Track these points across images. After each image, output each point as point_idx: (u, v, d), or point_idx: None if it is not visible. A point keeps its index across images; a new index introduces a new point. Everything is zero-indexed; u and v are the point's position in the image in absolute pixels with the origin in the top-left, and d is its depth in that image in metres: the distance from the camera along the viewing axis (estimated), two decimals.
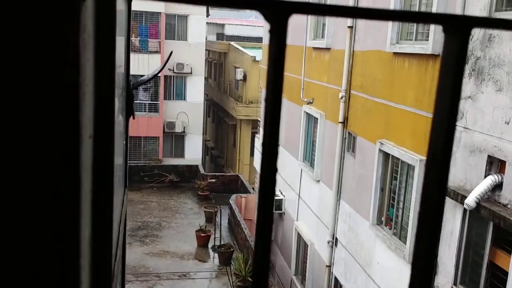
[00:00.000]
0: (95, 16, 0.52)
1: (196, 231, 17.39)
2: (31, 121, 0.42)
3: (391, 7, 8.24)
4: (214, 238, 17.07)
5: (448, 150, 0.48)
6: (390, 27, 8.30)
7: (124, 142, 1.59)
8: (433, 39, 7.06)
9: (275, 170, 0.46)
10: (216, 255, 16.37)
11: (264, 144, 0.46)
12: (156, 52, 25.05)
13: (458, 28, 0.47)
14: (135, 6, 25.71)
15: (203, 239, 17.17)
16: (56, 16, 0.40)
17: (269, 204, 0.48)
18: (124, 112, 1.48)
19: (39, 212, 0.44)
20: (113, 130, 0.68)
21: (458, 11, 6.51)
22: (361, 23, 9.65)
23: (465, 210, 6.19)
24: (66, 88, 0.42)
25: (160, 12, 24.84)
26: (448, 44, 0.47)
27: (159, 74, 24.84)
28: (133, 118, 1.61)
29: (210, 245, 17.22)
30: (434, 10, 7.07)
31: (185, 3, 0.42)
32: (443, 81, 0.48)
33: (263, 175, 0.46)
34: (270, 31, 0.44)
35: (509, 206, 5.57)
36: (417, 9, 7.82)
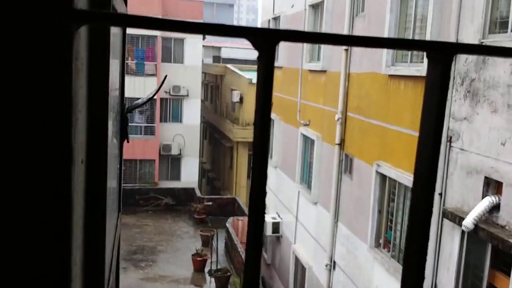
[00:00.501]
0: (89, 44, 0.53)
1: (192, 255, 17.19)
2: (23, 146, 0.43)
3: (386, 29, 8.37)
4: (211, 262, 16.88)
5: (432, 179, 0.49)
6: (385, 49, 8.41)
7: (118, 165, 1.59)
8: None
9: (264, 193, 0.46)
10: (213, 279, 16.15)
11: (253, 169, 0.47)
12: (153, 75, 25.23)
13: (440, 54, 0.48)
14: (131, 30, 26.07)
15: (199, 264, 16.97)
16: (49, 45, 0.41)
17: (259, 230, 0.49)
18: (118, 135, 1.48)
19: (28, 237, 0.44)
20: (106, 155, 0.68)
21: (452, 33, 6.62)
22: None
23: (463, 232, 6.16)
24: (58, 115, 0.42)
25: (157, 36, 25.12)
26: (432, 70, 0.49)
27: (155, 97, 24.96)
28: (127, 141, 1.61)
29: (206, 269, 17.00)
30: (428, 31, 7.18)
31: (177, 31, 0.43)
32: (427, 106, 0.49)
33: (253, 196, 0.47)
34: (258, 58, 0.46)
35: (507, 227, 5.56)
36: (411, 31, 7.95)
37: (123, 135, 1.53)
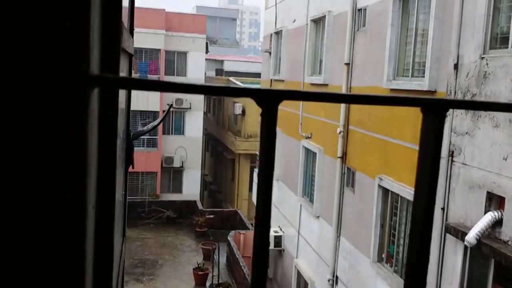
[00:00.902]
0: (100, 95, 0.56)
1: (193, 269, 17.11)
2: (41, 196, 0.45)
3: (387, 44, 8.43)
4: (212, 276, 16.78)
5: (428, 233, 0.51)
6: (386, 63, 8.47)
7: (123, 192, 1.61)
8: (429, 76, 7.20)
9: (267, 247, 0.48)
10: None
11: (256, 221, 0.49)
12: None
13: (434, 110, 0.50)
14: (135, 43, 26.14)
15: (200, 278, 16.87)
16: (66, 108, 0.43)
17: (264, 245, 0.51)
18: (124, 162, 1.51)
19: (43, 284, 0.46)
20: (114, 198, 0.71)
21: (453, 48, 6.67)
22: (358, 60, 9.85)
23: (466, 247, 6.14)
24: (74, 168, 0.45)
25: (160, 49, 25.30)
26: (426, 123, 0.51)
27: (158, 109, 25.06)
28: (133, 167, 1.64)
29: (208, 283, 16.90)
30: (429, 46, 7.23)
31: (188, 93, 0.46)
32: (422, 157, 0.51)
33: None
34: (262, 115, 0.48)
35: (509, 243, 5.54)
36: (412, 46, 8.00)
37: (129, 161, 1.56)
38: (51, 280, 0.45)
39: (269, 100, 0.47)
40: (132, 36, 1.56)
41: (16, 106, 0.43)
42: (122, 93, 1.35)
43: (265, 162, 0.49)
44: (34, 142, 0.44)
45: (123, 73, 1.22)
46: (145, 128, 2.42)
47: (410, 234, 0.56)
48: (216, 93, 0.47)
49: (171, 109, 26.05)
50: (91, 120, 0.48)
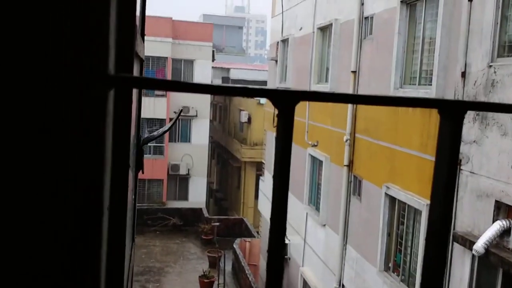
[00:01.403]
0: (116, 99, 0.57)
1: (199, 276, 17.06)
2: (57, 197, 0.46)
3: (394, 52, 8.42)
4: (218, 284, 16.72)
5: (445, 238, 0.50)
6: (393, 71, 8.46)
7: (133, 196, 1.61)
8: (437, 84, 7.18)
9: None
10: None
11: (271, 226, 0.48)
12: (162, 95, 25.47)
13: (452, 111, 0.50)
14: None
15: (206, 285, 16.81)
16: (85, 108, 0.44)
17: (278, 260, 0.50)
18: (134, 167, 1.52)
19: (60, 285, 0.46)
20: (126, 200, 0.71)
21: (460, 56, 6.65)
22: (365, 68, 9.85)
23: (473, 256, 6.08)
24: (92, 167, 0.45)
25: (167, 57, 25.44)
26: (444, 125, 0.51)
27: (165, 117, 25.15)
28: (142, 173, 1.64)
29: None
30: (436, 54, 7.22)
31: (202, 93, 0.46)
32: (439, 160, 0.51)
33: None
34: (278, 116, 0.48)
35: None
36: (419, 54, 7.99)
37: (139, 166, 1.57)
38: (67, 281, 0.45)
39: (286, 101, 0.47)
40: (143, 41, 1.57)
41: (36, 106, 0.43)
42: (133, 99, 1.36)
43: (281, 164, 0.49)
44: (53, 142, 0.44)
45: None
46: (155, 133, 2.43)
47: (426, 239, 0.55)
48: (231, 93, 0.47)
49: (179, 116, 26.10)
50: (108, 121, 0.49)
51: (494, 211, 5.87)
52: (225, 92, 0.45)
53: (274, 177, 0.50)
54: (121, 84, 0.46)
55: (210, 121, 29.13)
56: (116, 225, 0.66)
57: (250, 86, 0.46)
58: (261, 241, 17.41)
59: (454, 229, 6.54)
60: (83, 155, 0.44)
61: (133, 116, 1.37)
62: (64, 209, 0.45)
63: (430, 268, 0.54)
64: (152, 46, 24.72)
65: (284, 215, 0.49)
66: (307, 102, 12.77)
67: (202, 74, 26.42)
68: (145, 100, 24.77)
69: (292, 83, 14.30)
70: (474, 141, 6.34)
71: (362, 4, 9.84)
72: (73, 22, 0.43)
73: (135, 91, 1.30)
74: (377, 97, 0.49)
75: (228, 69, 35.83)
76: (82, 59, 0.43)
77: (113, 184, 0.62)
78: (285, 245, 13.92)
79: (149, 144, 25.78)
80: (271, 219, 0.50)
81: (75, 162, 0.44)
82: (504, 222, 5.65)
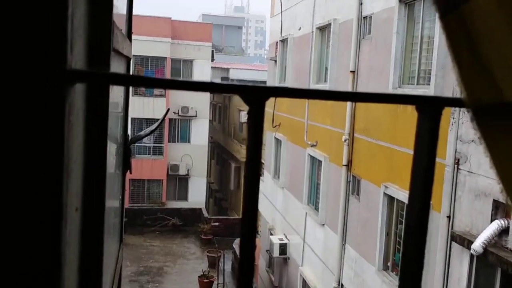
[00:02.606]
0: (87, 97, 0.55)
1: (198, 276, 17.06)
2: (14, 197, 0.44)
3: (392, 51, 8.41)
4: (217, 284, 16.72)
5: (424, 229, 0.49)
6: (392, 70, 8.45)
7: (121, 197, 1.60)
8: (435, 83, 7.16)
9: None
10: None
11: (242, 221, 0.47)
12: (161, 95, 25.46)
13: (430, 108, 0.49)
14: (141, 51, 26.01)
15: (206, 285, 16.81)
16: (42, 104, 0.42)
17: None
18: (121, 167, 1.50)
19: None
20: (103, 201, 0.70)
21: None
22: (363, 67, 9.84)
23: (472, 255, 6.07)
24: (49, 168, 0.44)
25: (166, 57, 25.42)
26: (422, 122, 0.49)
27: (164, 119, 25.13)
28: (130, 173, 1.63)
29: None
30: (435, 54, 7.20)
31: (171, 89, 0.45)
32: (417, 157, 0.49)
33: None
34: (248, 113, 0.47)
35: None
36: (418, 53, 7.98)
37: (126, 166, 1.55)
38: (25, 283, 0.44)
39: (256, 97, 0.45)
40: (130, 41, 1.56)
41: None
42: (118, 96, 1.34)
43: (252, 162, 0.48)
44: (7, 138, 0.42)
45: None
46: (142, 132, 2.41)
47: (404, 236, 0.54)
48: (201, 89, 0.46)
49: (177, 117, 26.13)
50: (72, 118, 0.47)
51: (492, 210, 5.86)
52: (191, 88, 0.44)
53: (245, 176, 0.48)
54: (82, 79, 0.44)
55: (210, 121, 29.12)
56: (92, 225, 0.64)
57: (217, 82, 0.45)
58: (261, 241, 17.40)
59: (452, 228, 6.53)
60: (39, 152, 0.42)
61: (118, 114, 1.36)
62: (19, 211, 0.43)
63: (409, 262, 0.53)
64: (151, 46, 24.72)
65: (255, 215, 0.47)
66: (306, 102, 12.76)
67: (201, 74, 26.39)
68: (143, 100, 24.80)
69: (291, 83, 14.29)
70: (472, 141, 6.33)
71: (361, 3, 9.83)
72: (26, 15, 0.42)
73: (118, 89, 1.28)
74: (352, 94, 0.47)
75: (227, 69, 35.82)
76: (36, 53, 0.42)
77: (87, 185, 0.61)
78: (286, 244, 13.91)
79: (148, 145, 25.77)
80: (242, 214, 0.49)
81: (29, 159, 0.42)
82: (502, 222, 5.64)
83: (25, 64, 0.42)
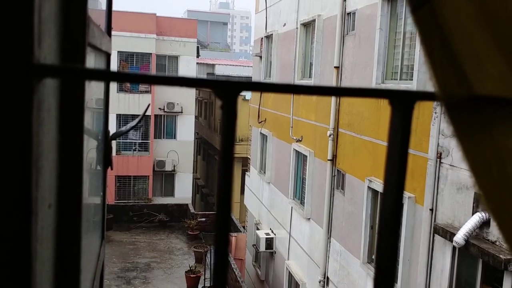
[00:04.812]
0: (60, 92, 0.54)
1: (185, 272, 17.04)
2: None
3: (376, 47, 8.46)
4: (204, 279, 16.73)
5: (397, 224, 0.50)
6: (375, 66, 8.50)
7: (102, 193, 1.59)
8: (417, 79, 7.23)
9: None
10: None
11: (217, 214, 0.47)
12: (147, 92, 25.27)
13: (403, 101, 0.49)
14: (126, 48, 25.75)
15: (192, 281, 16.81)
16: (4, 97, 0.41)
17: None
18: (101, 163, 1.48)
19: None
20: (80, 197, 0.69)
21: None
22: (347, 63, 9.88)
23: (454, 248, 6.17)
24: (16, 164, 0.43)
25: (151, 53, 25.22)
26: (394, 116, 0.50)
27: (149, 114, 24.96)
28: (111, 169, 1.62)
29: (200, 286, 16.84)
30: (417, 49, 7.26)
31: (142, 83, 0.44)
32: (391, 149, 0.50)
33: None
34: (221, 107, 0.46)
35: (497, 243, 5.57)
36: (401, 49, 8.04)
37: (107, 162, 1.54)
38: None
39: (228, 91, 0.45)
40: (110, 37, 1.54)
41: None
42: (97, 92, 1.33)
43: (225, 156, 0.48)
44: None
45: None
46: (123, 128, 2.40)
47: (378, 231, 0.54)
48: (173, 84, 0.45)
49: (163, 113, 25.98)
50: (42, 113, 0.46)
51: (473, 203, 5.95)
52: (164, 82, 0.44)
53: (218, 171, 0.48)
54: (49, 74, 0.44)
55: (196, 117, 29.00)
56: (68, 222, 0.63)
57: (189, 76, 0.45)
58: (247, 236, 17.43)
59: (435, 221, 6.62)
60: (4, 148, 0.42)
61: (98, 110, 1.34)
62: None
63: (383, 255, 0.53)
64: (136, 42, 24.50)
65: (228, 215, 0.47)
66: (291, 98, 12.78)
67: (187, 70, 26.25)
68: (129, 97, 24.60)
69: (276, 79, 14.30)
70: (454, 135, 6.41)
71: (345, 0, 9.86)
72: None
73: (98, 84, 1.27)
74: (323, 88, 0.47)
75: (213, 65, 35.71)
76: (0, 47, 0.41)
77: (62, 181, 0.60)
78: (273, 239, 13.97)
79: (134, 141, 25.58)
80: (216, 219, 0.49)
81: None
82: (483, 214, 5.73)
83: None
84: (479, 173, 0.46)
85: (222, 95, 0.45)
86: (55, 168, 0.58)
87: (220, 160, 0.48)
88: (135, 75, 0.43)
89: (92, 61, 1.04)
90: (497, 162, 0.45)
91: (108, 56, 1.51)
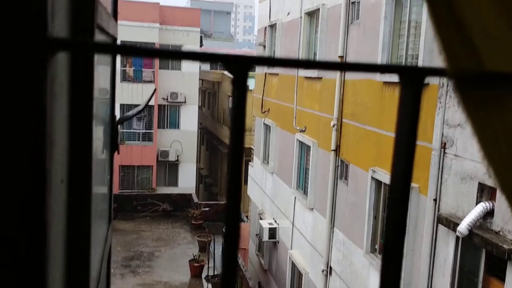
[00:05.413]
0: (71, 67, 0.55)
1: (189, 261, 17.16)
2: None
3: (380, 36, 8.41)
4: (208, 268, 16.84)
5: (404, 206, 0.50)
6: (380, 55, 8.46)
7: (109, 176, 1.60)
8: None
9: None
10: (210, 285, 16.11)
11: (228, 190, 0.48)
12: (150, 81, 25.26)
13: (412, 78, 0.49)
14: (129, 37, 25.72)
15: (196, 269, 16.93)
16: (23, 73, 0.42)
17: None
18: (108, 146, 1.49)
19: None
20: (90, 173, 0.70)
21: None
22: (352, 52, 9.83)
23: (457, 237, 6.18)
24: (30, 139, 0.43)
25: (154, 43, 25.16)
26: (404, 93, 0.50)
27: (153, 103, 24.98)
28: (118, 153, 1.63)
29: (203, 275, 16.96)
30: (422, 38, 7.22)
31: (152, 57, 0.45)
32: (400, 128, 0.50)
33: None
34: (233, 82, 0.47)
35: (501, 233, 5.58)
36: (405, 38, 7.99)
37: (114, 146, 1.55)
38: (8, 251, 0.44)
39: (239, 66, 0.46)
40: (116, 21, 1.54)
41: None
42: (105, 75, 1.33)
43: (236, 130, 0.48)
44: None
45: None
46: (129, 112, 2.41)
47: (387, 213, 0.55)
48: (182, 58, 0.46)
49: (166, 103, 25.97)
50: (55, 88, 0.47)
51: (477, 193, 5.95)
52: (174, 57, 0.44)
53: (228, 148, 0.49)
54: (63, 47, 0.44)
55: (199, 107, 28.99)
56: (78, 197, 0.64)
57: (199, 51, 0.45)
58: (250, 225, 17.51)
59: (438, 211, 6.63)
60: (20, 121, 0.42)
61: (105, 90, 1.35)
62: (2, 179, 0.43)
63: (392, 236, 0.54)
64: (139, 32, 24.42)
65: (238, 193, 0.48)
66: (295, 88, 12.75)
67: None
68: (133, 86, 24.60)
69: (280, 69, 14.23)
70: (458, 125, 6.39)
71: None
72: None
73: (104, 68, 1.27)
74: (334, 64, 0.48)
75: None
76: (16, 20, 0.41)
77: (73, 157, 0.61)
78: (276, 228, 14.02)
79: (138, 131, 25.62)
80: (227, 192, 0.49)
81: (10, 127, 0.42)
82: (487, 204, 5.73)
83: (4, 31, 0.41)
84: (487, 147, 0.47)
85: (233, 69, 0.46)
86: (66, 144, 0.58)
87: (231, 135, 0.48)
88: (145, 49, 0.43)
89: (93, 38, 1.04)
90: (506, 136, 0.45)
91: (114, 40, 1.51)
